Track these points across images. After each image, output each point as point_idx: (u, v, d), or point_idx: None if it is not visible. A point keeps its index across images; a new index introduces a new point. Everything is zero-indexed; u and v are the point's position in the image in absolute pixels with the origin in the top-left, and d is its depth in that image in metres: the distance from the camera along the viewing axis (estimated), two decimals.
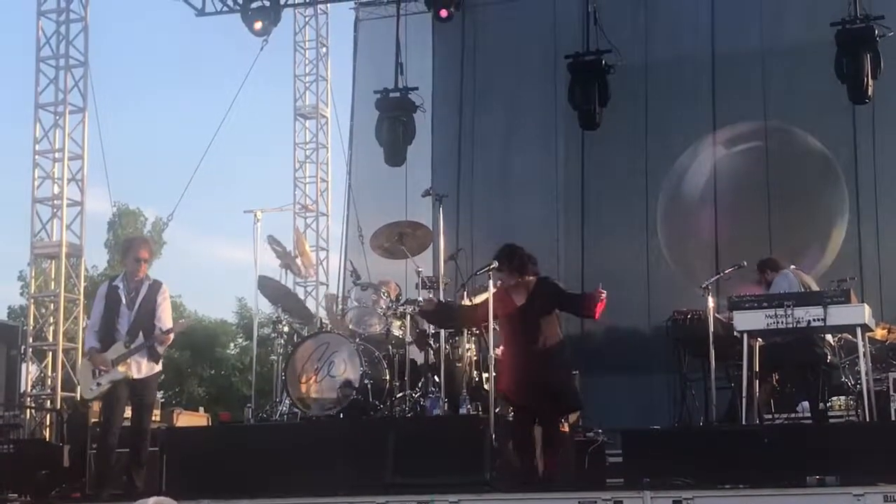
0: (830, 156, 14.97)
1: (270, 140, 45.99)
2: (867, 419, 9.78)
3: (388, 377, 10.63)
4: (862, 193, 14.61)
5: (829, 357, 10.54)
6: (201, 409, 17.25)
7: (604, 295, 9.38)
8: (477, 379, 10.75)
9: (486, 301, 9.65)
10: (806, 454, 9.02)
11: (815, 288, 10.98)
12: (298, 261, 12.19)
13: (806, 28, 14.75)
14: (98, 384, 9.96)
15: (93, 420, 12.36)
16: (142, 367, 10.00)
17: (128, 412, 10.32)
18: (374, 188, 16.46)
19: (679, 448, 9.69)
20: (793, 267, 11.38)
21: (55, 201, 16.08)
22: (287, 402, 10.82)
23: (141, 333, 9.95)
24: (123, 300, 10.04)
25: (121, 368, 9.88)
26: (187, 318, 21.77)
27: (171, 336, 10.18)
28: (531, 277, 9.56)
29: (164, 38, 46.85)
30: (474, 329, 10.76)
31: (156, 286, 10.14)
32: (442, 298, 10.86)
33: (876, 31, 11.94)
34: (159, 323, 10.03)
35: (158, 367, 10.21)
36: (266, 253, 11.75)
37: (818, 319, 9.80)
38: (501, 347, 9.88)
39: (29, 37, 16.44)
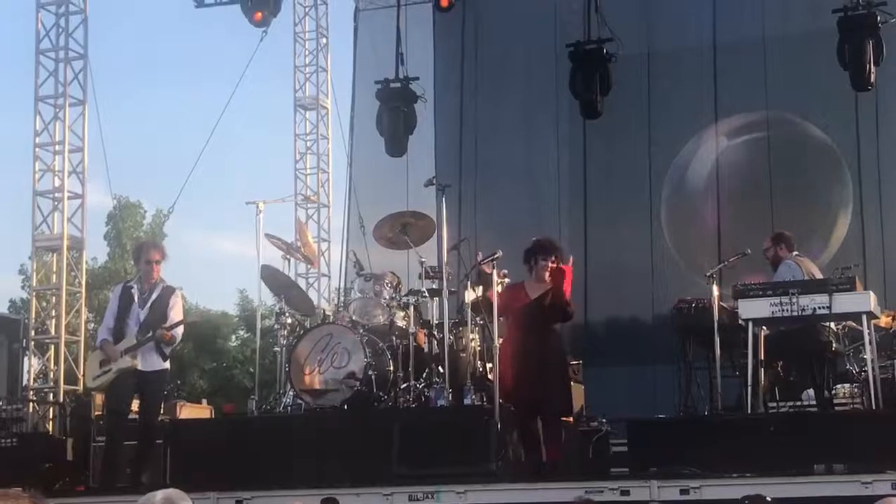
0: (833, 145, 14.93)
1: (271, 131, 45.95)
2: (873, 407, 9.76)
3: (392, 368, 10.59)
4: (865, 182, 14.57)
5: (833, 345, 10.52)
6: (203, 401, 17.20)
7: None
8: (481, 369, 10.73)
9: (502, 292, 9.71)
10: (813, 442, 9.02)
11: (818, 275, 10.95)
12: (302, 251, 12.17)
13: (808, 16, 14.67)
14: (105, 372, 9.99)
15: (96, 413, 12.36)
16: (148, 361, 10.01)
17: (135, 406, 10.34)
18: (376, 179, 16.42)
19: (685, 437, 9.72)
20: (795, 254, 11.33)
21: (56, 194, 16.04)
22: (291, 393, 10.80)
23: (152, 332, 9.97)
24: (136, 299, 10.10)
25: (128, 358, 9.89)
26: (198, 312, 21.73)
27: (173, 334, 10.12)
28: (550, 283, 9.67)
29: (164, 30, 46.71)
30: (478, 319, 10.76)
31: (169, 290, 10.23)
32: (446, 289, 10.82)
33: (878, 18, 11.89)
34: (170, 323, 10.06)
35: (166, 364, 10.23)
36: (268, 246, 11.74)
37: (823, 307, 9.78)
38: (502, 339, 9.88)
39: (28, 29, 16.39)
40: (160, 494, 4.05)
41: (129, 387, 10.07)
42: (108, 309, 10.45)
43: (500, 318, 9.80)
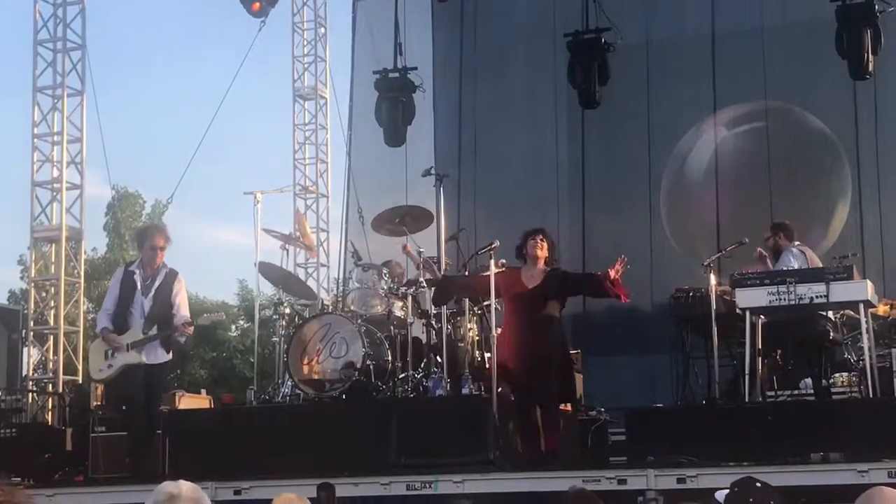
0: (832, 135, 14.92)
1: (269, 121, 45.91)
2: (870, 395, 9.77)
3: (390, 358, 10.62)
4: (863, 171, 14.57)
5: (831, 333, 10.53)
6: (203, 391, 17.21)
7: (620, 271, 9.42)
8: (479, 359, 10.74)
9: (487, 274, 9.70)
10: (810, 431, 9.03)
11: (820, 265, 10.95)
12: (300, 241, 12.20)
13: (806, 5, 14.67)
14: (110, 365, 9.98)
15: (95, 403, 12.37)
16: (154, 354, 10.03)
17: None
18: (375, 169, 16.42)
19: (682, 426, 9.72)
20: (798, 244, 11.34)
21: (54, 184, 16.02)
22: (289, 383, 10.81)
23: (156, 326, 9.95)
24: (139, 286, 10.04)
25: (134, 353, 9.89)
26: (211, 314, 21.67)
27: (192, 328, 10.17)
28: (546, 267, 9.66)
29: (162, 20, 46.66)
30: (476, 309, 10.76)
31: (172, 275, 10.14)
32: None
33: (876, 7, 11.88)
34: (177, 312, 10.03)
35: (169, 356, 10.24)
36: (266, 237, 11.76)
37: (821, 296, 9.77)
38: (500, 328, 9.89)
39: (26, 20, 16.35)
40: (185, 487, 3.93)
41: (139, 380, 10.06)
42: (109, 293, 10.36)
43: (498, 307, 9.84)
